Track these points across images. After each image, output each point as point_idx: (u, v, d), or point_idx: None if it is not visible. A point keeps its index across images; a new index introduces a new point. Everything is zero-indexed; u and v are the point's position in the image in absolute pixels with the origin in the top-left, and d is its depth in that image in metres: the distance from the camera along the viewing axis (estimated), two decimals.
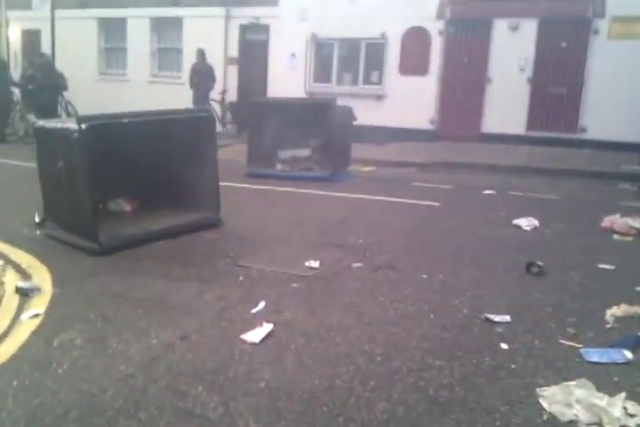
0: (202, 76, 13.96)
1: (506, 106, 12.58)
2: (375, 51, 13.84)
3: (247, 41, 15.15)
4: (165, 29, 16.04)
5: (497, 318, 3.47)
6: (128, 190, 5.68)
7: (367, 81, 14.12)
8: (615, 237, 5.44)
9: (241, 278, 4.12)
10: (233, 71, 15.33)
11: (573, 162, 10.23)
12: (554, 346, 3.16)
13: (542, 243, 5.24)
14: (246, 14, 14.77)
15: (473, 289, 4.02)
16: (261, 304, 3.60)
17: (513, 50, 12.44)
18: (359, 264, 4.51)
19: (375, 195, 7.34)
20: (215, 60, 15.02)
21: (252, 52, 15.03)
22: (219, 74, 15.08)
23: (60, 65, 14.82)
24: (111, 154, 5.15)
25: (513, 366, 2.93)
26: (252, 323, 3.36)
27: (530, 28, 12.32)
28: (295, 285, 4.04)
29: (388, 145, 12.62)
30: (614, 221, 5.64)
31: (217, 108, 14.49)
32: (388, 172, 9.75)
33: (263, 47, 14.88)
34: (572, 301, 3.82)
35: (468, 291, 3.99)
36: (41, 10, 17.34)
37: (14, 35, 17.87)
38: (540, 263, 4.37)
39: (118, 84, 16.53)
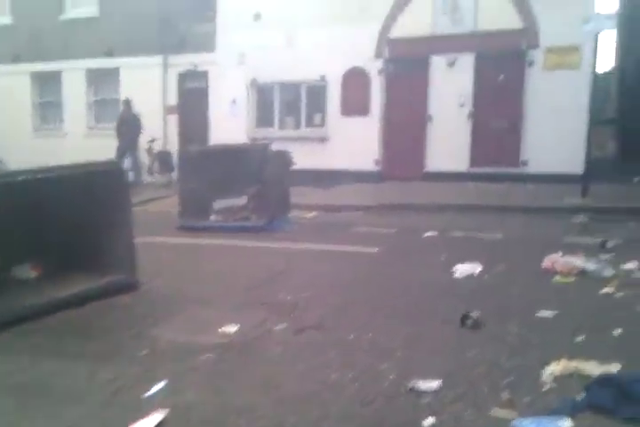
0: (128, 126, 13.89)
1: (448, 143, 12.58)
2: (316, 93, 13.80)
3: (186, 89, 14.97)
4: (101, 81, 15.75)
5: (424, 386, 3.10)
6: (35, 254, 5.19)
7: (310, 124, 14.03)
8: (556, 278, 5.18)
9: (144, 352, 3.66)
10: (173, 120, 15.06)
11: (516, 197, 10.15)
12: (485, 417, 2.80)
13: (481, 289, 4.94)
14: (184, 62, 14.63)
15: (404, 349, 3.65)
16: (160, 385, 3.16)
17: (452, 86, 12.54)
18: (283, 326, 4.10)
19: (314, 243, 7.00)
20: (153, 109, 14.80)
21: (192, 99, 14.83)
22: (158, 123, 14.84)
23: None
24: (12, 215, 4.70)
25: None
26: (145, 409, 2.91)
27: (467, 62, 12.47)
28: (206, 356, 3.60)
29: (334, 188, 12.40)
30: (555, 260, 5.40)
31: (145, 157, 14.40)
32: (332, 217, 9.47)
33: (203, 94, 14.69)
34: (508, 357, 3.47)
35: (398, 351, 3.62)
36: None
37: None
38: (474, 314, 4.04)
39: (54, 139, 16.05)
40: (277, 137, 13.80)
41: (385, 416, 2.83)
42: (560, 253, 5.61)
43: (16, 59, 16.22)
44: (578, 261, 5.33)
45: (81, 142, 15.54)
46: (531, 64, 12.06)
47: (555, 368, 3.26)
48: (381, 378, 3.24)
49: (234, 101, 14.31)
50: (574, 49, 11.49)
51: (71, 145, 15.53)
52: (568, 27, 10.99)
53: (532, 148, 12.00)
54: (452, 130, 12.60)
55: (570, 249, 5.98)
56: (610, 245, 6.37)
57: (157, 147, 14.55)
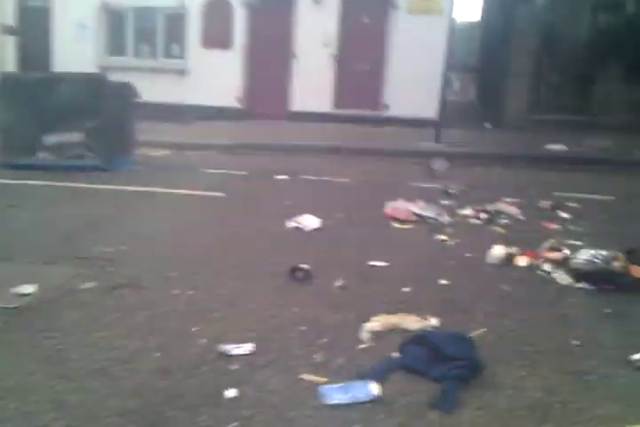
0: None
1: (312, 83, 12.22)
2: (175, 21, 12.71)
3: (27, 8, 13.16)
4: None
5: (235, 351, 2.84)
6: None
7: (168, 54, 12.99)
8: (395, 225, 5.13)
9: None
10: (10, 42, 13.28)
11: (374, 141, 10.12)
12: (292, 384, 2.60)
13: (318, 238, 4.75)
14: None
15: (224, 308, 3.36)
16: None
17: (317, 24, 12.06)
18: (92, 284, 3.64)
19: (154, 186, 6.43)
20: None
21: (34, 19, 13.10)
22: None
23: None
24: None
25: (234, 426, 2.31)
26: None
27: (333, 1, 11.99)
28: None
29: (193, 125, 11.69)
30: (396, 207, 5.34)
31: None
32: (184, 156, 8.89)
33: (46, 15, 13.01)
34: (331, 313, 3.31)
35: (217, 311, 3.32)
36: None
37: None
38: (305, 266, 3.84)
39: None
40: (132, 67, 12.72)
41: (184, 389, 2.54)
42: (402, 200, 5.57)
43: None
44: (417, 208, 5.30)
45: None
46: (395, 7, 11.83)
47: (373, 325, 3.13)
48: (190, 344, 2.94)
49: (82, 25, 12.83)
50: None
51: None
52: None
53: (394, 92, 11.98)
54: (317, 70, 12.23)
55: (416, 194, 5.99)
56: (452, 190, 6.47)
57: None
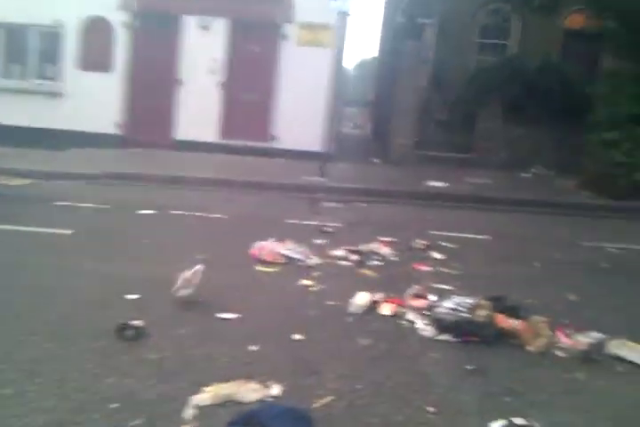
0: None
1: (198, 111, 11.73)
2: (50, 41, 11.83)
3: None
4: None
5: None
6: None
7: (41, 75, 12.03)
8: (259, 267, 4.70)
9: None
10: None
11: (260, 173, 9.72)
12: None
13: (166, 284, 4.22)
14: None
15: (22, 380, 2.74)
16: None
17: (204, 51, 11.65)
18: None
19: None
20: None
21: None
22: None
23: None
24: None
25: None
26: None
27: (221, 28, 11.65)
28: None
29: (65, 152, 10.78)
30: (263, 247, 4.93)
31: None
32: (45, 186, 8.03)
33: None
34: (156, 383, 2.77)
35: (11, 385, 2.69)
36: None
37: None
38: (138, 323, 3.30)
39: None
40: (3, 88, 11.68)
41: None
42: (272, 239, 5.16)
43: None
44: (285, 249, 4.91)
45: None
46: (285, 38, 11.69)
47: (203, 397, 2.65)
48: None
49: None
50: (325, 27, 11.33)
51: None
52: (321, 4, 10.71)
53: (283, 123, 11.71)
54: (203, 97, 11.77)
55: (291, 232, 5.61)
56: (329, 228, 6.17)
57: None
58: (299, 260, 4.80)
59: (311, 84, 11.37)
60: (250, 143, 11.84)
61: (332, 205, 7.92)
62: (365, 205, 8.17)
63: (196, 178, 9.03)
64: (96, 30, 11.67)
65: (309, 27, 11.53)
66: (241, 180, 9.11)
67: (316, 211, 7.36)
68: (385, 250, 5.34)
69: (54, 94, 11.82)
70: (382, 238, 5.80)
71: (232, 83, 11.83)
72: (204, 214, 6.64)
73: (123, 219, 6.26)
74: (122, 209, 6.66)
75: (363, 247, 5.30)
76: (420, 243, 5.77)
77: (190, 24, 11.67)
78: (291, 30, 11.60)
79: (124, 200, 7.16)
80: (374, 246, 5.38)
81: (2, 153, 10.11)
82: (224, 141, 11.88)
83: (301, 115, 11.34)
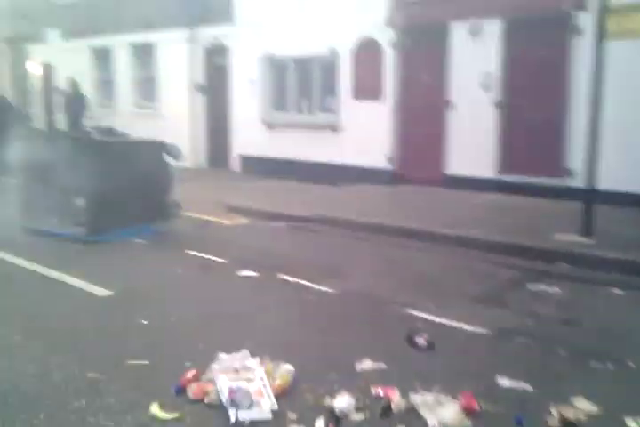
0: (74, 105, 14.73)
1: (471, 139, 9.41)
2: (328, 70, 11.33)
3: (212, 65, 13.43)
4: (143, 56, 14.90)
5: None
6: None
7: (323, 108, 11.65)
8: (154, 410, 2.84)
9: None
10: (200, 99, 13.71)
11: (526, 225, 6.93)
12: None
13: None
14: (208, 35, 13.08)
15: None
16: None
17: (475, 63, 9.23)
18: None
19: (75, 269, 5.09)
20: (181, 87, 13.63)
21: (217, 77, 13.27)
22: (184, 102, 13.67)
23: None
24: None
25: None
26: None
27: (493, 32, 9.00)
28: None
29: (339, 188, 10.24)
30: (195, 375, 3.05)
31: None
32: (256, 227, 7.48)
33: (225, 72, 13.07)
34: None
35: None
36: (50, 42, 17.33)
37: (34, 69, 17.99)
38: None
39: (110, 116, 15.75)
40: (293, 123, 11.84)
41: None
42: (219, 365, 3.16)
43: (79, 34, 16.18)
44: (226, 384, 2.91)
45: (129, 120, 15.12)
46: (578, 32, 8.21)
47: None
48: None
49: (252, 80, 12.45)
50: None
51: (121, 122, 15.20)
52: None
53: (581, 152, 8.25)
54: (476, 122, 9.36)
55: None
56: None
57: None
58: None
59: (627, 94, 7.70)
60: (535, 180, 8.87)
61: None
62: None
63: (430, 233, 6.84)
64: (365, 54, 10.57)
65: (619, 10, 7.74)
66: (496, 240, 6.45)
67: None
68: None
69: (333, 127, 11.27)
70: None
71: (511, 100, 9.04)
72: (313, 285, 4.83)
73: (212, 279, 5.00)
74: (238, 264, 5.39)
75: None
76: None
77: (458, 32, 9.38)
78: (586, 20, 8.04)
79: (279, 254, 5.86)
80: None
81: (266, 188, 10.22)
82: (502, 177, 9.22)
83: (614, 139, 7.67)
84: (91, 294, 4.53)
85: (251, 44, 12.26)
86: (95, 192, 6.23)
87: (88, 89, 16.26)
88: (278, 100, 12.34)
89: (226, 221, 7.98)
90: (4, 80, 19.55)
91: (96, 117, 15.00)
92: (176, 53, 13.77)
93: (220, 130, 13.23)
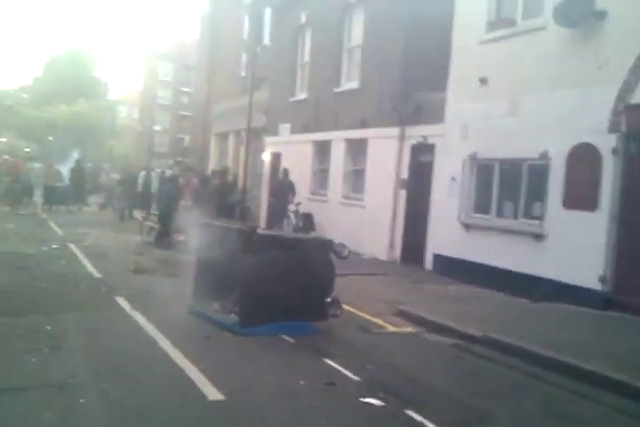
0: (283, 191, 16.12)
1: None
2: (537, 175, 10.39)
3: (417, 162, 13.36)
4: (355, 151, 15.49)
5: None
6: None
7: (528, 214, 10.63)
8: None
9: None
10: (402, 195, 13.61)
11: None
12: None
13: None
14: (416, 134, 13.14)
15: None
16: None
17: None
18: None
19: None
20: (386, 181, 13.72)
21: (420, 174, 13.13)
22: (388, 197, 13.70)
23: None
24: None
25: None
26: None
27: None
28: None
29: (536, 305, 9.10)
30: None
31: (292, 217, 16.41)
32: (400, 339, 6.84)
33: (429, 169, 12.86)
34: None
35: None
36: (282, 135, 19.08)
37: (267, 157, 19.87)
38: None
39: (320, 204, 16.53)
40: (493, 226, 11.04)
41: None
42: None
43: (304, 129, 17.57)
44: None
45: (336, 209, 15.67)
46: None
47: None
48: None
49: (453, 179, 12.03)
50: None
51: (330, 211, 15.85)
52: None
53: None
54: None
55: None
56: None
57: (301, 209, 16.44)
58: None
59: None
60: None
61: None
62: None
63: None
64: (581, 160, 9.47)
65: None
66: None
67: None
68: None
69: (537, 236, 10.14)
70: None
71: None
72: None
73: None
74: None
75: None
76: None
77: None
78: None
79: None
80: None
81: (450, 293, 9.49)
82: None
83: None
84: (202, 397, 4.27)
85: (457, 143, 11.93)
86: (253, 284, 6.20)
87: (306, 177, 17.39)
88: (479, 201, 11.64)
89: (389, 327, 7.39)
90: (240, 165, 21.95)
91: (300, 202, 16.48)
92: (385, 149, 14.03)
93: (418, 226, 12.87)
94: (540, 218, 10.20)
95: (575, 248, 9.36)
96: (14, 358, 4.78)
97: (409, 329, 7.34)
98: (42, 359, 4.77)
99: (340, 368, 5.27)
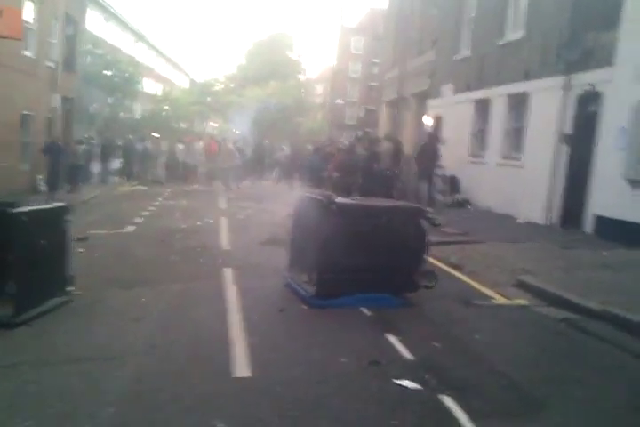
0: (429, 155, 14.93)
1: None
2: None
3: (582, 114, 11.74)
4: (516, 108, 14.10)
5: None
6: None
7: None
8: None
9: None
10: (563, 151, 12.11)
11: None
12: None
13: None
14: (583, 82, 11.52)
15: None
16: None
17: None
18: None
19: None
20: (548, 137, 12.35)
21: (585, 127, 11.53)
22: (546, 155, 12.34)
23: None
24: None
25: None
26: None
27: None
28: None
29: None
30: None
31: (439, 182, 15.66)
32: (508, 313, 6.22)
33: (595, 121, 11.22)
34: None
35: None
36: (444, 96, 18.18)
37: (429, 121, 19.10)
38: None
39: (479, 166, 15.50)
40: None
41: None
42: None
43: (466, 88, 16.50)
44: None
45: (494, 172, 14.62)
46: None
47: None
48: None
49: (623, 129, 10.36)
50: None
51: (487, 174, 14.85)
52: None
53: None
54: None
55: None
56: None
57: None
58: None
59: None
60: None
61: None
62: None
63: None
64: None
65: None
66: None
67: None
68: None
69: None
70: None
71: None
72: None
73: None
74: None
75: None
76: None
77: None
78: None
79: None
80: None
81: (599, 261, 8.34)
82: None
83: None
84: (227, 373, 4.28)
85: (628, 88, 10.19)
86: (330, 254, 6.04)
87: (465, 140, 16.39)
88: None
89: (498, 299, 6.69)
90: (408, 131, 21.45)
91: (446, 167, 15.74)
92: (548, 102, 12.56)
93: (579, 185, 11.38)
94: None
95: None
96: (91, 330, 5.25)
97: (521, 302, 6.58)
98: (113, 331, 5.18)
99: (398, 346, 4.91)
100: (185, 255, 8.50)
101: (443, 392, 3.99)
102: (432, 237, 10.41)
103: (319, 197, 6.38)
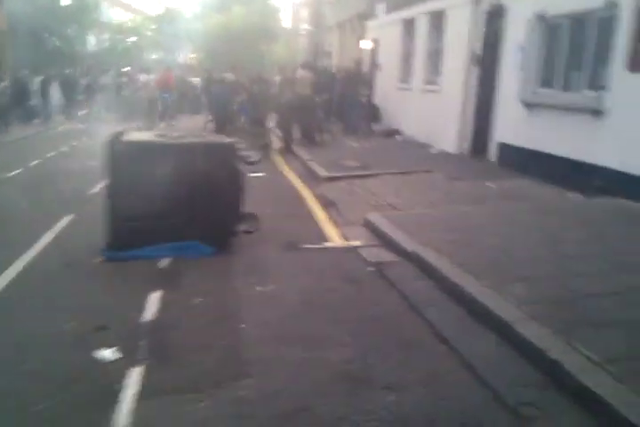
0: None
1: None
2: (602, 33, 7.67)
3: (490, 33, 10.82)
4: (435, 28, 13.09)
5: None
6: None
7: (588, 84, 8.08)
8: None
9: None
10: (474, 73, 11.29)
11: None
12: None
13: None
14: None
15: None
16: None
17: None
18: None
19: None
20: (460, 58, 11.47)
21: (491, 45, 10.68)
22: (457, 78, 11.56)
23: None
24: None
25: None
26: None
27: None
28: None
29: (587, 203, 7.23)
30: None
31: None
32: (332, 255, 5.78)
33: (498, 38, 10.37)
34: None
35: None
36: (379, 18, 17.02)
37: (367, 45, 17.92)
38: None
39: (406, 93, 14.67)
40: (557, 103, 8.78)
41: None
42: None
43: (395, 6, 15.38)
44: None
45: (417, 99, 13.84)
46: None
47: None
48: None
49: (522, 48, 9.55)
50: None
51: (411, 100, 14.11)
52: None
53: None
54: None
55: None
56: None
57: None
58: None
59: None
60: None
61: None
62: None
63: None
64: None
65: None
66: None
67: None
68: None
69: (594, 112, 7.70)
70: None
71: None
72: None
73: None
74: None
75: None
76: None
77: None
78: None
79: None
80: None
81: (471, 193, 7.92)
82: None
83: None
84: None
85: (526, 2, 9.31)
86: (119, 202, 5.53)
87: (395, 64, 15.45)
88: (545, 72, 9.13)
89: (335, 241, 6.25)
90: (352, 55, 20.26)
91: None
92: (460, 19, 11.64)
93: (485, 111, 10.70)
94: (600, 88, 7.67)
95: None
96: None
97: (354, 243, 6.12)
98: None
99: (151, 305, 4.44)
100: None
101: (141, 363, 3.59)
102: (327, 173, 10.16)
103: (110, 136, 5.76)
